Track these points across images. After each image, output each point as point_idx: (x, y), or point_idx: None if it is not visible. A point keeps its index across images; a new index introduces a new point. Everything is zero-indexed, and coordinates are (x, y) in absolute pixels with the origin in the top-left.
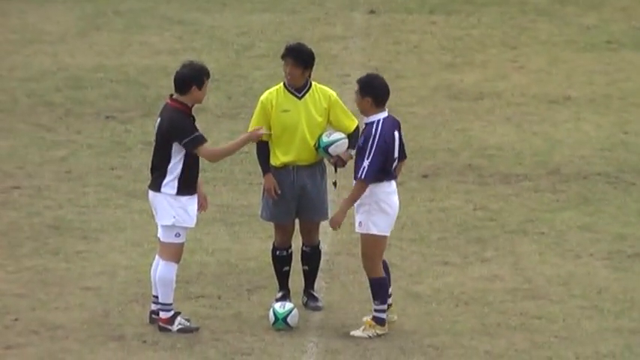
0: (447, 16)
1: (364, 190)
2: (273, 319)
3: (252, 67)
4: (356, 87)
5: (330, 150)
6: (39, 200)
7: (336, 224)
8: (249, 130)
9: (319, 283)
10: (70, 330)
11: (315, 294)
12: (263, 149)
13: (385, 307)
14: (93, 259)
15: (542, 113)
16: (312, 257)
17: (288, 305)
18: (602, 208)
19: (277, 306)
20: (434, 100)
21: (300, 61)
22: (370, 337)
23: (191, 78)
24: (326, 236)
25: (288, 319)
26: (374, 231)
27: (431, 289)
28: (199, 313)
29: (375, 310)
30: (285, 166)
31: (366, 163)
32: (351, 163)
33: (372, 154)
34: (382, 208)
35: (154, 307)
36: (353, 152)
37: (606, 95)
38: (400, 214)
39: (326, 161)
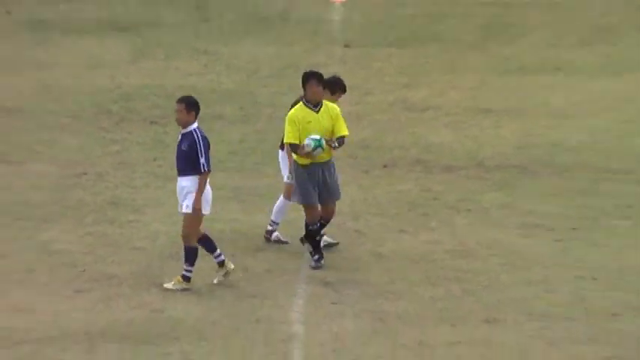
0: (402, 49)
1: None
2: (314, 144)
3: (259, 86)
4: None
5: (320, 139)
6: (100, 183)
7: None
8: (289, 137)
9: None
10: (122, 279)
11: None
12: (295, 147)
13: (192, 268)
14: (140, 227)
15: (472, 121)
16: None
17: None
18: (516, 191)
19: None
20: (392, 111)
21: (320, 81)
22: (178, 289)
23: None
24: None
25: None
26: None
27: (390, 250)
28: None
29: (186, 270)
30: (310, 164)
31: (202, 159)
32: None
33: (204, 152)
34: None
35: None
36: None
37: (518, 108)
38: (367, 195)
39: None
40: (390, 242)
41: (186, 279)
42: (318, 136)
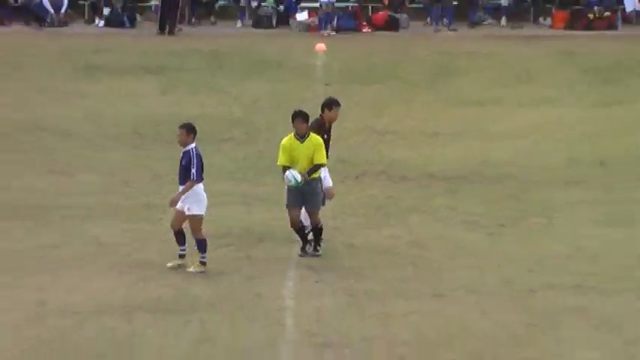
0: (370, 86)
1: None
2: (294, 183)
3: (259, 115)
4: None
5: (300, 180)
6: (136, 190)
7: (174, 203)
8: (279, 161)
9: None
10: (155, 265)
11: (318, 248)
12: (286, 168)
13: (206, 255)
14: (166, 224)
15: (424, 142)
16: (314, 230)
17: (296, 178)
18: (458, 196)
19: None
20: (363, 134)
21: (305, 119)
22: (197, 272)
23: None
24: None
25: (296, 177)
26: (195, 211)
27: (360, 242)
28: (229, 255)
29: (202, 257)
30: None
31: (193, 170)
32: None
33: (195, 164)
34: (200, 199)
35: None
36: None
37: (460, 132)
38: (342, 199)
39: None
40: (360, 236)
41: (203, 264)
42: (300, 178)
